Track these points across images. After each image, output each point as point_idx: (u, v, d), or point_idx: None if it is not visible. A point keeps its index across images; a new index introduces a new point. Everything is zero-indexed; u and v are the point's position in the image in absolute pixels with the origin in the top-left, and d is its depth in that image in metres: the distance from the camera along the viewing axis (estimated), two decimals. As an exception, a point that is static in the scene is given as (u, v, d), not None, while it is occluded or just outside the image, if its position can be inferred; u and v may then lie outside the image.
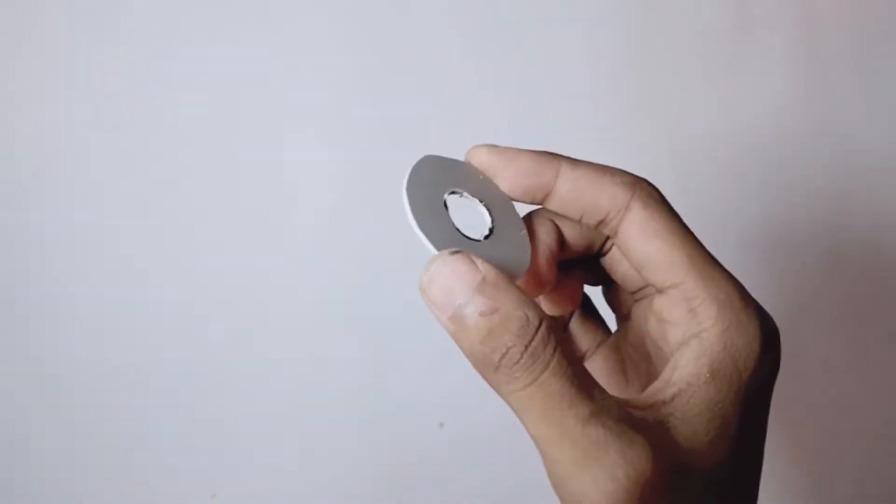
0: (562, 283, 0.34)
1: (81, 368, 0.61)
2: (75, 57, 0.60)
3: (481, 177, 0.32)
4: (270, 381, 0.64)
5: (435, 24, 0.67)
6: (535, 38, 0.69)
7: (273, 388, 0.64)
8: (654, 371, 0.33)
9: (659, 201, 0.31)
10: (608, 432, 0.26)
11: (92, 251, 0.60)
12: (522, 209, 0.33)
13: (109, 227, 0.61)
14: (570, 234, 0.33)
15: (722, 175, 0.73)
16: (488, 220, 0.31)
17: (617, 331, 0.37)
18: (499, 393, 0.27)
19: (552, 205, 0.32)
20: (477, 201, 0.31)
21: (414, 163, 0.31)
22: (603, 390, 0.27)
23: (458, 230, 0.30)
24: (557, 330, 0.27)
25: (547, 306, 0.35)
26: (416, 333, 0.65)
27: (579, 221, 0.32)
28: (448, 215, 0.30)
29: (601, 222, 0.32)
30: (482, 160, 0.32)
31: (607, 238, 0.33)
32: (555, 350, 0.26)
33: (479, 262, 0.27)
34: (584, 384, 0.26)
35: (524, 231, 0.32)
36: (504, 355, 0.26)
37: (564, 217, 0.33)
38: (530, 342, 0.26)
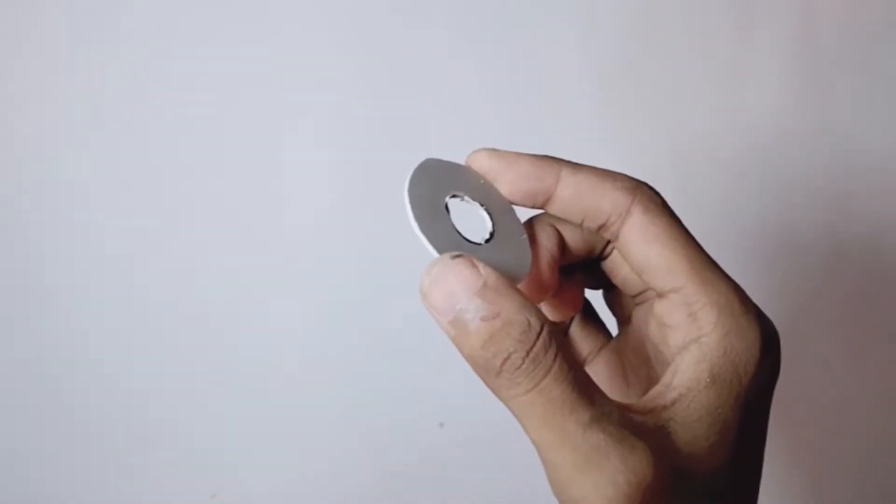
0: (563, 288, 0.34)
1: (81, 369, 0.61)
2: (74, 57, 0.60)
3: (482, 180, 0.32)
4: (270, 381, 0.64)
5: (434, 24, 0.66)
6: (533, 38, 0.69)
7: (273, 388, 0.64)
8: (653, 375, 0.33)
9: (660, 206, 0.31)
10: (609, 438, 0.26)
11: (92, 251, 0.60)
12: (522, 213, 0.33)
13: (110, 227, 0.61)
14: (571, 238, 0.33)
15: (722, 175, 0.73)
16: (489, 223, 0.31)
17: (618, 335, 0.37)
18: (499, 398, 0.27)
19: (553, 209, 0.32)
20: (478, 205, 0.31)
21: (415, 166, 0.31)
22: (604, 395, 0.27)
23: (459, 233, 0.30)
24: (559, 335, 0.27)
25: (548, 311, 0.35)
26: (416, 333, 0.65)
27: (580, 226, 0.32)
28: (449, 218, 0.30)
29: (602, 226, 0.32)
30: (483, 164, 0.32)
31: (608, 242, 0.33)
32: (556, 355, 0.26)
33: (480, 266, 0.27)
34: (585, 389, 0.26)
35: (524, 235, 0.32)
36: (506, 360, 0.26)
37: (565, 221, 0.33)
38: (532, 347, 0.26)
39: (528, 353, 0.26)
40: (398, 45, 0.66)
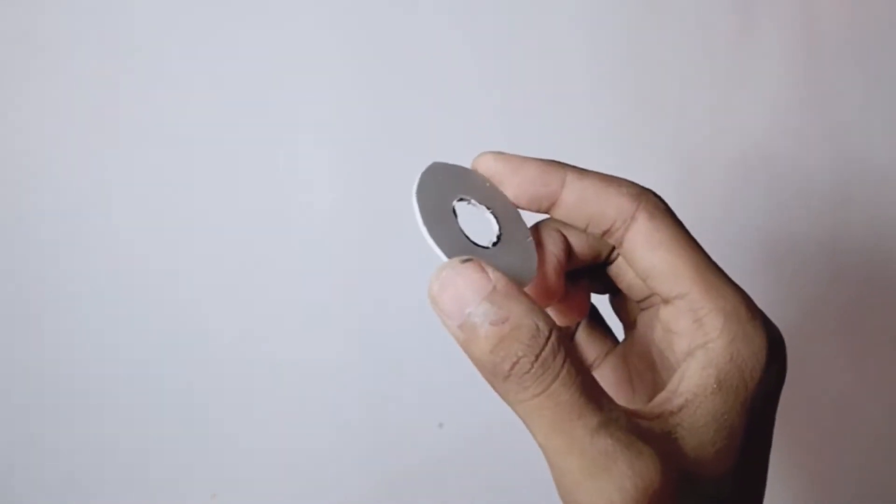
0: (569, 293, 0.34)
1: (81, 368, 0.60)
2: (77, 57, 0.60)
3: (488, 184, 0.32)
4: (270, 381, 0.64)
5: (435, 23, 0.66)
6: (535, 39, 0.69)
7: (273, 388, 0.64)
8: (659, 380, 0.33)
9: (664, 212, 0.31)
10: (616, 443, 0.26)
11: (91, 251, 0.60)
12: (528, 218, 0.33)
13: (111, 227, 0.61)
14: (577, 243, 0.33)
15: (722, 176, 0.73)
16: (496, 227, 0.31)
17: (624, 340, 0.37)
18: (507, 402, 0.27)
19: (558, 214, 0.32)
20: (484, 208, 0.31)
21: (422, 170, 0.31)
22: (611, 400, 0.27)
23: (466, 237, 0.30)
24: (567, 340, 0.27)
25: (555, 316, 0.35)
26: (416, 334, 0.65)
27: (585, 231, 0.32)
28: (457, 222, 0.30)
29: (606, 232, 0.32)
30: (489, 167, 0.32)
31: (614, 247, 0.33)
32: (565, 360, 0.26)
33: (489, 270, 0.27)
34: (593, 394, 0.26)
35: (530, 239, 0.32)
36: (514, 365, 0.26)
37: (571, 226, 0.33)
38: (541, 352, 0.26)
39: (536, 358, 0.26)
40: (399, 45, 0.66)
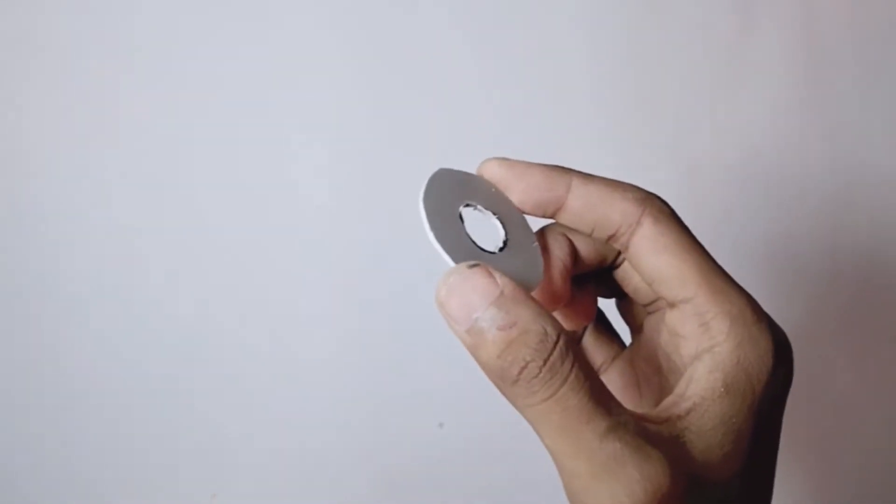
0: (576, 298, 0.34)
1: (82, 369, 0.61)
2: (77, 59, 0.60)
3: (493, 190, 0.32)
4: (270, 381, 0.64)
5: (436, 23, 0.66)
6: (535, 39, 0.69)
7: (273, 388, 0.64)
8: (666, 384, 0.33)
9: (669, 216, 0.31)
10: (625, 447, 0.26)
11: (91, 251, 0.60)
12: (533, 223, 0.33)
13: (111, 227, 0.61)
14: (583, 247, 0.33)
15: (722, 176, 0.73)
16: (502, 232, 0.31)
17: (631, 344, 0.37)
18: (515, 406, 0.27)
19: (563, 219, 0.32)
20: (490, 214, 0.31)
21: (428, 175, 0.31)
22: (619, 404, 0.27)
23: (473, 242, 0.30)
24: (575, 344, 0.27)
25: (562, 320, 0.35)
26: (416, 334, 0.66)
27: (590, 236, 0.32)
28: (464, 227, 0.30)
29: (612, 237, 0.32)
30: (494, 173, 0.32)
31: (619, 251, 0.33)
32: (573, 364, 0.26)
33: (497, 275, 0.27)
34: (601, 398, 0.26)
35: (536, 244, 0.32)
36: (523, 369, 0.26)
37: (577, 231, 0.33)
38: (549, 356, 0.26)
39: (545, 362, 0.26)
40: (400, 45, 0.66)
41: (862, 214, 0.76)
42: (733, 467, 0.28)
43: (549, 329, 0.26)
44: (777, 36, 0.74)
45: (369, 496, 0.66)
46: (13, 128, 0.59)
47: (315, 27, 0.64)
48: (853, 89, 0.76)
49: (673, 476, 0.26)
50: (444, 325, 0.65)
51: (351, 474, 0.65)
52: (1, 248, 0.59)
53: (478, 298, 0.27)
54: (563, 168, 0.32)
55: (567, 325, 0.35)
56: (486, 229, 0.31)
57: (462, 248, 0.29)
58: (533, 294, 0.29)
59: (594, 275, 0.35)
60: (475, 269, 0.27)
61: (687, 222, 0.32)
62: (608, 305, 0.37)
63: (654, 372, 0.34)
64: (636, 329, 0.36)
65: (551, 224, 0.33)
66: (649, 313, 0.34)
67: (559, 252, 0.32)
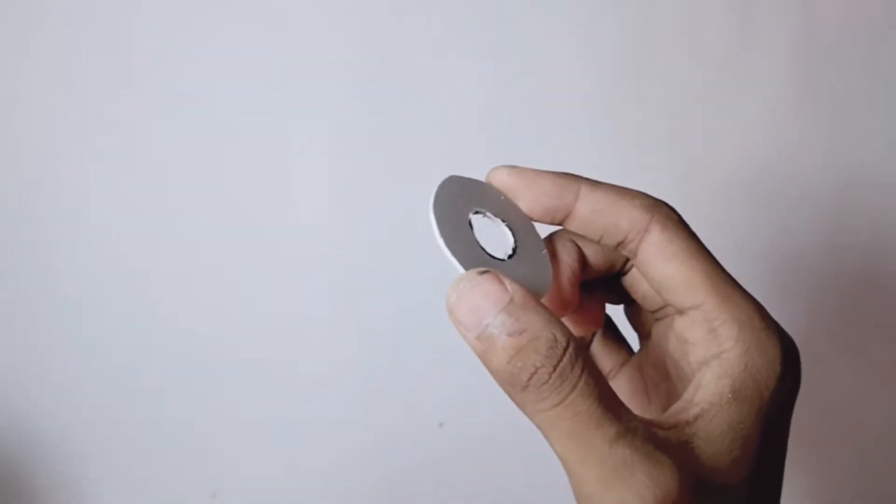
0: (584, 304, 0.34)
1: (82, 369, 0.60)
2: (79, 59, 0.59)
3: (502, 197, 0.32)
4: (270, 381, 0.64)
5: (436, 27, 0.66)
6: (534, 43, 0.68)
7: (273, 388, 0.64)
8: (673, 390, 0.33)
9: (677, 223, 0.32)
10: (635, 453, 0.26)
11: (94, 252, 0.60)
12: (541, 230, 0.33)
13: (110, 229, 0.61)
14: (591, 253, 0.33)
15: (721, 177, 0.73)
16: (511, 239, 0.31)
17: (639, 350, 0.37)
18: (525, 412, 0.27)
19: (572, 226, 0.32)
20: (500, 221, 0.32)
21: (438, 183, 0.31)
22: (629, 411, 0.27)
23: (483, 249, 0.30)
24: (584, 350, 0.27)
25: (570, 327, 0.35)
26: (416, 333, 0.66)
27: (598, 242, 0.33)
28: (473, 235, 0.30)
29: (620, 244, 0.32)
30: (503, 180, 0.33)
31: (628, 258, 0.33)
32: (583, 370, 0.26)
33: (507, 281, 0.27)
34: (611, 405, 0.27)
35: (545, 251, 0.32)
36: (532, 375, 0.26)
37: (585, 238, 0.33)
38: (559, 362, 0.26)
39: (554, 369, 0.26)
40: (399, 52, 0.66)
41: (862, 215, 0.76)
42: (741, 473, 0.28)
43: (559, 335, 0.26)
44: (776, 36, 0.74)
45: (369, 496, 0.66)
46: (12, 128, 0.59)
47: (315, 28, 0.64)
48: (853, 89, 0.76)
49: (681, 482, 0.26)
50: (443, 325, 0.65)
51: (351, 474, 0.65)
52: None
53: (488, 305, 0.27)
54: (571, 175, 0.32)
55: (575, 331, 0.35)
56: (495, 236, 0.32)
57: (472, 254, 0.29)
58: (542, 300, 0.29)
59: (602, 281, 0.35)
60: (485, 276, 0.27)
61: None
62: (616, 312, 0.38)
63: (663, 378, 0.34)
64: (644, 335, 0.36)
65: (560, 231, 0.34)
66: (657, 320, 0.35)
67: (568, 258, 0.32)
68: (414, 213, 0.63)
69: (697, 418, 0.28)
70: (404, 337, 0.66)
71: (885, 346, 0.77)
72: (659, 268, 0.31)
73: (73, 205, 0.60)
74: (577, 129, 0.70)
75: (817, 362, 0.74)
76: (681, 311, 0.31)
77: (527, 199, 0.32)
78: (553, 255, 0.32)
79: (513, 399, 0.27)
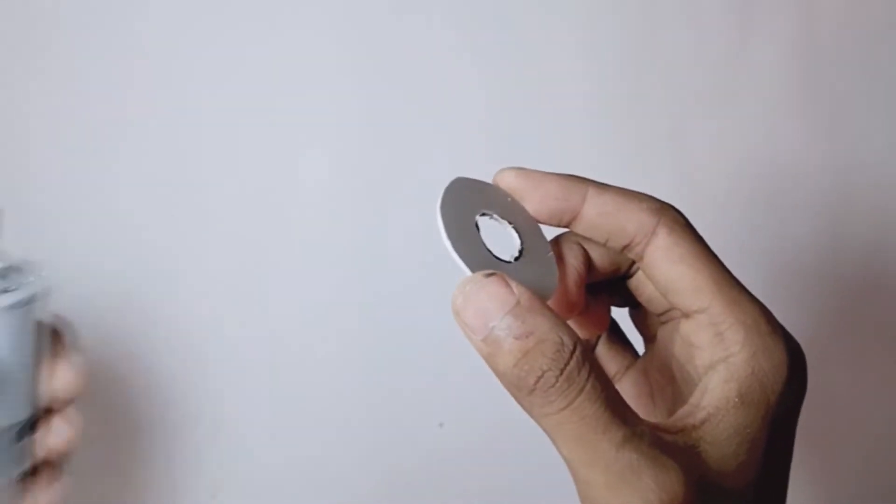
0: (590, 307, 0.34)
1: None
2: (83, 60, 0.59)
3: (509, 199, 0.32)
4: (270, 380, 0.64)
5: (436, 29, 0.66)
6: (533, 43, 0.68)
7: (273, 387, 0.64)
8: (679, 394, 0.33)
9: (684, 226, 0.32)
10: (642, 457, 0.26)
11: (93, 249, 0.60)
12: (547, 232, 0.33)
13: (112, 225, 0.60)
14: (597, 256, 0.33)
15: (721, 178, 0.73)
16: (517, 241, 0.31)
17: (644, 354, 0.37)
18: (531, 415, 0.27)
19: (578, 228, 0.32)
20: (506, 223, 0.32)
21: (445, 185, 0.31)
22: (635, 414, 0.27)
23: (489, 251, 0.30)
24: (591, 354, 0.27)
25: (576, 329, 0.35)
26: (416, 333, 0.66)
27: (605, 245, 0.33)
28: (480, 237, 0.30)
29: (627, 247, 0.32)
30: (510, 183, 0.33)
31: (634, 261, 0.33)
32: (589, 374, 0.26)
33: (513, 284, 0.27)
34: (617, 409, 0.27)
35: (551, 253, 0.32)
36: (539, 378, 0.26)
37: (591, 240, 0.33)
38: (565, 366, 0.26)
39: (561, 372, 0.26)
40: (400, 47, 0.65)
41: (862, 215, 0.76)
42: (747, 477, 0.28)
43: (566, 339, 0.26)
44: (776, 36, 0.74)
45: (369, 496, 0.66)
46: (15, 127, 0.59)
47: (315, 29, 0.64)
48: (853, 89, 0.76)
49: (688, 486, 0.26)
50: (443, 325, 0.65)
51: (351, 474, 0.65)
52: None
53: (494, 307, 0.27)
54: (578, 178, 0.32)
55: (581, 334, 0.35)
56: (501, 238, 0.31)
57: (478, 257, 0.29)
58: (548, 303, 0.29)
59: (608, 284, 0.35)
60: (491, 278, 0.27)
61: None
62: (621, 315, 0.38)
63: (668, 382, 0.34)
64: (649, 338, 0.36)
65: (566, 233, 0.34)
66: (663, 323, 0.35)
67: (574, 261, 0.32)
68: (413, 213, 0.63)
69: (704, 422, 0.28)
70: (405, 336, 0.66)
71: (887, 347, 0.77)
72: (665, 271, 0.31)
73: (75, 201, 0.60)
74: (576, 130, 0.70)
75: (818, 364, 0.74)
76: (687, 315, 0.31)
77: (533, 201, 0.32)
78: (559, 258, 0.32)
79: (519, 402, 0.27)
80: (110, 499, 0.61)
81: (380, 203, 0.64)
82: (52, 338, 0.38)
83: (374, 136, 0.65)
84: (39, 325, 0.36)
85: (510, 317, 0.27)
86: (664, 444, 0.27)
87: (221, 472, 0.63)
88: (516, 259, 0.31)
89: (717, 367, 0.29)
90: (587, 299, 0.34)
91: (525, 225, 0.32)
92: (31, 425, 0.36)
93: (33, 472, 0.38)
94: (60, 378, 0.37)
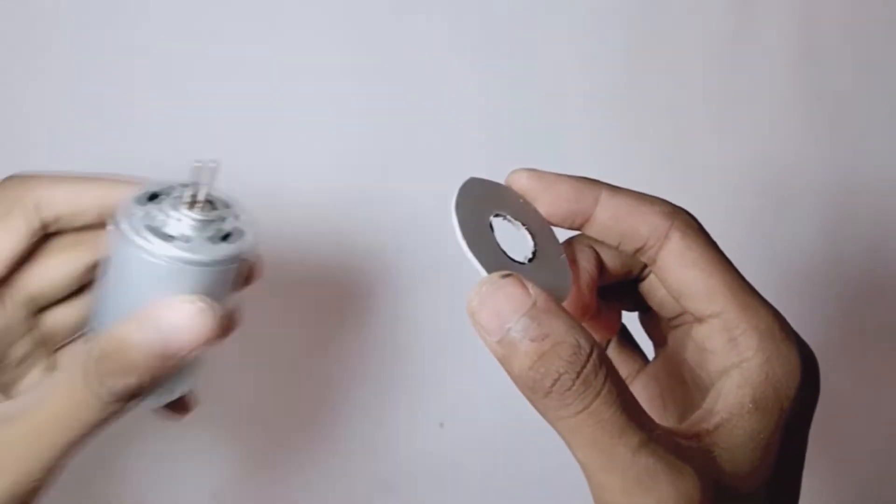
0: (601, 311, 0.34)
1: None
2: (81, 58, 0.59)
3: (521, 200, 0.32)
4: (270, 380, 0.63)
5: (436, 30, 0.66)
6: (533, 43, 0.68)
7: (273, 387, 0.63)
8: (689, 399, 0.33)
9: (697, 230, 0.32)
10: (658, 462, 0.26)
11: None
12: (559, 234, 0.33)
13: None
14: (609, 259, 0.33)
15: (721, 179, 0.73)
16: (531, 243, 0.31)
17: (654, 358, 0.37)
18: (546, 419, 0.27)
19: (591, 231, 0.32)
20: (520, 224, 0.31)
21: (459, 185, 0.31)
22: (650, 419, 0.27)
23: (504, 253, 0.30)
24: (607, 357, 0.27)
25: None
26: (416, 333, 0.65)
27: (616, 248, 0.32)
28: (494, 237, 0.30)
29: (639, 250, 0.32)
30: (522, 184, 0.32)
31: (645, 264, 0.33)
32: (606, 377, 0.26)
33: (529, 286, 0.27)
34: (633, 412, 0.27)
35: (564, 255, 0.32)
36: (556, 381, 0.26)
37: (602, 243, 0.33)
38: (582, 369, 0.26)
39: (578, 375, 0.26)
40: (400, 49, 0.65)
41: (862, 215, 0.76)
42: (760, 481, 0.28)
43: (583, 341, 0.26)
44: (776, 36, 0.74)
45: (369, 496, 0.66)
46: (15, 127, 0.58)
47: (315, 29, 0.63)
48: (853, 89, 0.76)
49: (704, 491, 0.26)
50: (444, 325, 0.65)
51: (351, 474, 0.65)
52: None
53: (510, 309, 0.27)
54: (591, 180, 0.32)
55: None
56: (514, 240, 0.31)
57: (494, 257, 0.29)
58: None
59: (618, 288, 0.35)
60: (507, 279, 0.27)
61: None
62: (631, 319, 0.38)
63: (679, 387, 0.34)
64: (660, 343, 0.36)
65: (578, 235, 0.34)
66: (673, 327, 0.35)
67: (586, 264, 0.32)
68: (413, 213, 0.63)
69: (719, 427, 0.28)
70: (405, 336, 0.66)
71: (886, 347, 0.77)
72: (678, 275, 0.31)
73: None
74: (576, 130, 0.70)
75: (823, 366, 0.74)
76: (699, 319, 0.31)
77: (546, 203, 0.32)
78: (572, 261, 0.32)
79: (534, 405, 0.27)
80: (110, 498, 0.61)
81: (379, 201, 0.64)
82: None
83: (374, 135, 0.64)
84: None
85: (526, 318, 0.26)
86: (680, 448, 0.27)
87: (221, 472, 0.63)
88: (529, 261, 0.31)
89: (730, 371, 0.29)
90: (598, 303, 0.33)
91: (537, 226, 0.32)
92: None
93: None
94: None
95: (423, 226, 0.62)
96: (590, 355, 0.26)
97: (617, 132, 0.71)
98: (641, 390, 0.36)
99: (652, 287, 0.34)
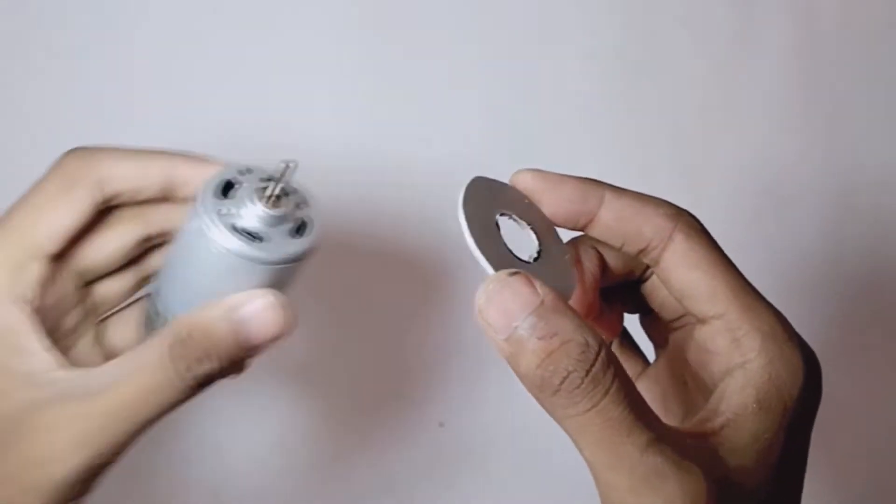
0: (603, 312, 0.34)
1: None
2: (78, 55, 0.59)
3: (526, 200, 0.32)
4: (270, 380, 0.63)
5: (437, 30, 0.66)
6: (534, 44, 0.68)
7: (273, 387, 0.63)
8: (691, 400, 0.33)
9: (701, 232, 0.32)
10: (666, 461, 0.26)
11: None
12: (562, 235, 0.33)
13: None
14: (611, 260, 0.33)
15: (721, 179, 0.73)
16: (536, 242, 0.31)
17: (655, 360, 0.37)
18: (554, 417, 0.27)
19: (594, 232, 0.32)
20: (525, 224, 0.31)
21: (465, 183, 0.31)
22: (658, 418, 0.27)
23: (510, 251, 0.30)
24: (615, 356, 0.27)
25: None
26: (417, 333, 0.65)
27: (620, 249, 0.32)
28: (500, 236, 0.30)
29: (642, 251, 0.32)
30: (527, 184, 0.33)
31: (648, 265, 0.33)
32: (615, 376, 0.26)
33: (537, 284, 0.27)
34: (641, 411, 0.27)
35: (568, 256, 0.32)
36: (564, 379, 0.26)
37: (605, 244, 0.33)
38: (591, 367, 0.26)
39: (587, 373, 0.26)
40: (401, 49, 0.65)
41: (863, 215, 0.76)
42: (764, 481, 0.29)
43: (591, 340, 0.26)
44: (776, 36, 0.74)
45: (369, 496, 0.66)
46: (15, 127, 0.58)
47: (315, 28, 0.63)
48: (853, 90, 0.76)
49: (709, 490, 0.26)
50: (444, 325, 0.65)
51: (351, 474, 0.65)
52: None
53: (518, 307, 0.27)
54: (595, 181, 0.32)
55: None
56: (518, 239, 0.31)
57: (500, 256, 0.29)
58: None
59: (620, 289, 0.35)
60: (515, 277, 0.27)
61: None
62: (631, 322, 0.38)
63: (680, 388, 0.35)
64: (660, 345, 0.37)
65: (581, 236, 0.34)
66: (675, 329, 0.35)
67: (589, 264, 0.33)
68: (414, 213, 0.63)
69: (723, 427, 0.28)
70: (405, 336, 0.66)
71: (886, 347, 0.77)
72: (681, 276, 0.31)
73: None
74: (576, 130, 0.70)
75: (824, 365, 0.74)
76: (702, 321, 0.31)
77: (550, 204, 0.32)
78: (575, 260, 0.32)
79: (541, 403, 0.27)
80: (110, 498, 0.61)
81: (379, 200, 0.64)
82: None
83: (374, 135, 0.64)
84: None
85: (534, 317, 0.26)
86: (686, 448, 0.27)
87: (221, 472, 0.63)
88: (535, 260, 0.31)
89: (733, 373, 0.30)
90: (601, 304, 0.34)
91: (541, 226, 0.32)
92: None
93: None
94: None
95: (424, 226, 0.62)
96: (598, 353, 0.26)
97: (617, 132, 0.71)
98: (643, 392, 0.36)
99: (653, 288, 0.34)
